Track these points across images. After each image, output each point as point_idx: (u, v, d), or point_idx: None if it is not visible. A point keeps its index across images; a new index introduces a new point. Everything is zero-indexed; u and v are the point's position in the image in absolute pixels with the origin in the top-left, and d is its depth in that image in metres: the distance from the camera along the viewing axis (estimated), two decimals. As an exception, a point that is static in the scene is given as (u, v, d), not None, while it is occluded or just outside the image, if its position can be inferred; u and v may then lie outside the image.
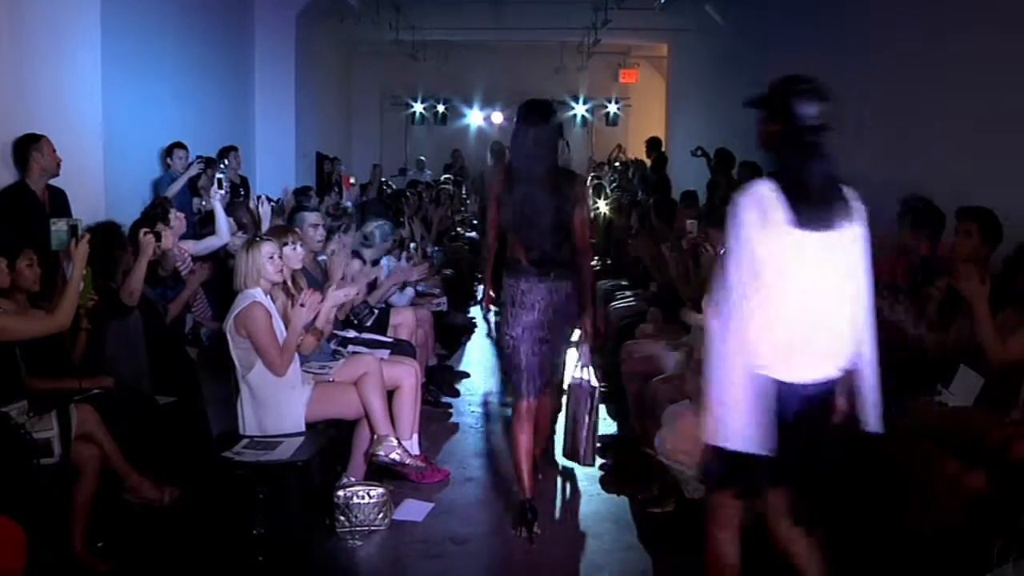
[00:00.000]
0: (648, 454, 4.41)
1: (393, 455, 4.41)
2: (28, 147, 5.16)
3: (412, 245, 7.92)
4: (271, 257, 4.26)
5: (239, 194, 7.92)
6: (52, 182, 5.28)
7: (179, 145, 7.63)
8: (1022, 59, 4.90)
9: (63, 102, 5.71)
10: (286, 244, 4.52)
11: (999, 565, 3.09)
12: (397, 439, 4.46)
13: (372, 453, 4.43)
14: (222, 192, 5.81)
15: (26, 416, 3.68)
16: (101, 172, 5.93)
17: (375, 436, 4.43)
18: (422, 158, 16.45)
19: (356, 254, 6.07)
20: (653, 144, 12.65)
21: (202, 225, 6.33)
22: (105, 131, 6.18)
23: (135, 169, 7.02)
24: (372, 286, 6.16)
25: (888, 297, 4.33)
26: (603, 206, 10.63)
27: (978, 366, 4.01)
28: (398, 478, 4.60)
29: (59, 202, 5.32)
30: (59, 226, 3.96)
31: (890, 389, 4.30)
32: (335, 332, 5.22)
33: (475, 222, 11.68)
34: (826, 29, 7.86)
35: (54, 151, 5.22)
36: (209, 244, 5.71)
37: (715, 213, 5.43)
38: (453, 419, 6.03)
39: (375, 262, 6.40)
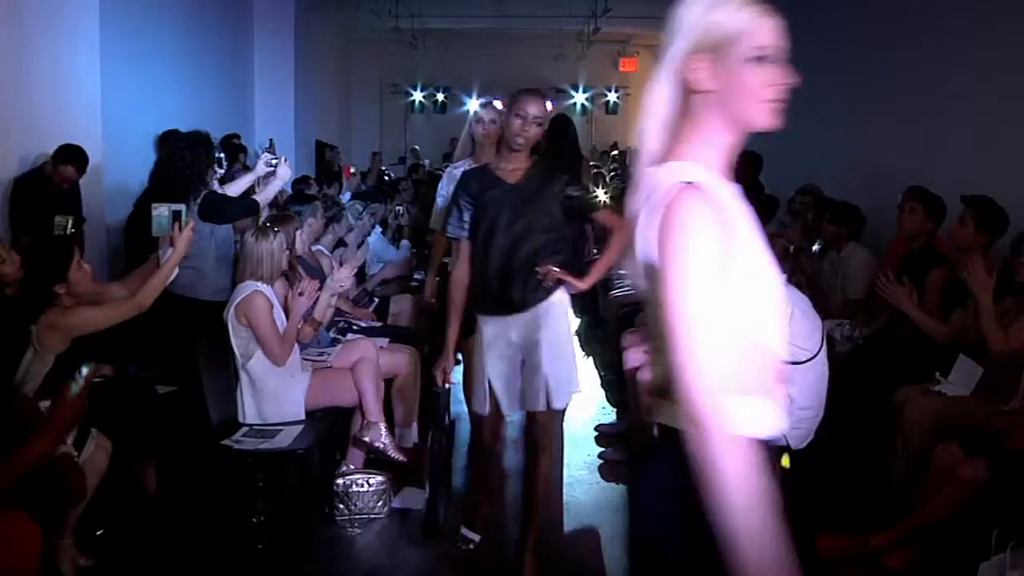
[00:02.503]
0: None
1: (378, 444, 4.41)
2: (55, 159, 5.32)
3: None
4: (282, 247, 4.27)
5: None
6: None
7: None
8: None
9: (62, 90, 5.71)
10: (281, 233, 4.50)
11: (997, 552, 3.10)
12: (387, 427, 4.46)
13: (358, 437, 4.45)
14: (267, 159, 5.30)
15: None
16: (100, 159, 5.92)
17: (364, 421, 4.44)
18: (416, 147, 16.43)
19: (340, 241, 6.06)
20: None
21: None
22: (104, 118, 6.18)
23: (133, 157, 7.00)
24: (362, 272, 6.15)
25: (889, 283, 4.34)
26: (602, 195, 10.61)
27: (977, 355, 4.02)
28: (397, 466, 4.61)
29: (73, 191, 5.39)
30: (160, 211, 3.88)
31: (887, 377, 4.36)
32: (334, 319, 5.22)
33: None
34: (827, 21, 7.83)
35: (64, 179, 5.36)
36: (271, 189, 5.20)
37: None
38: (452, 407, 6.01)
39: (360, 243, 6.40)
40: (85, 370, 2.96)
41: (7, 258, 3.84)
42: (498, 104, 4.52)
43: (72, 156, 5.32)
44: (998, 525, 3.17)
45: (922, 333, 4.31)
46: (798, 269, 4.14)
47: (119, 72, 6.65)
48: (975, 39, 5.41)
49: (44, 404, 3.59)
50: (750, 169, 8.16)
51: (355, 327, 5.37)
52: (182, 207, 3.93)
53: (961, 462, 3.53)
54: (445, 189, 4.53)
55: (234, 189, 5.04)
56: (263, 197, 5.00)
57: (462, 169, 4.28)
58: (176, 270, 3.81)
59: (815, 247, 5.79)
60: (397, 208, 7.88)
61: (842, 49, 7.49)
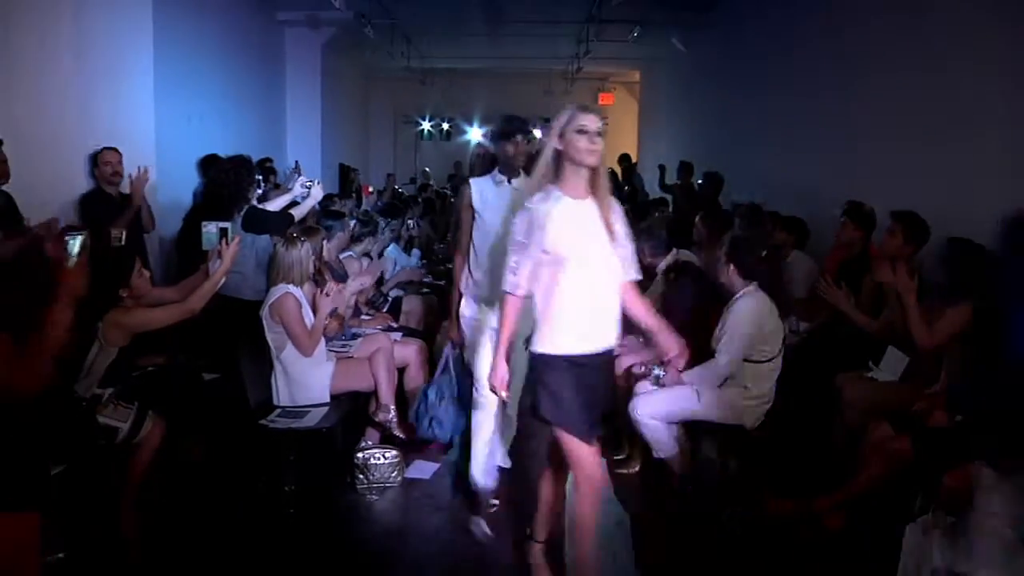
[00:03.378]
0: (623, 421, 4.42)
1: (386, 423, 4.42)
2: (95, 159, 5.22)
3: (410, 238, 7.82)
4: (309, 254, 4.27)
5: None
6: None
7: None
8: (943, 91, 4.92)
9: (120, 120, 5.70)
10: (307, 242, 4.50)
11: (920, 515, 3.12)
12: (396, 409, 4.46)
13: (373, 414, 4.47)
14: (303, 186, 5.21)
15: (113, 402, 3.63)
16: (154, 180, 5.89)
17: (378, 403, 4.45)
18: (427, 169, 16.42)
19: (365, 254, 6.05)
20: (624, 159, 12.80)
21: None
22: (157, 145, 6.17)
23: (182, 178, 6.99)
24: (380, 277, 6.15)
25: (828, 287, 4.34)
26: None
27: (904, 346, 4.03)
28: (408, 442, 4.61)
29: (127, 205, 5.38)
30: (209, 228, 3.87)
31: (828, 365, 4.37)
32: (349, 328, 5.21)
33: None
34: (776, 60, 7.87)
35: (110, 162, 5.24)
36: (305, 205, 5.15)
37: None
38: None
39: (380, 253, 6.41)
40: (74, 242, 2.98)
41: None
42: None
43: (107, 147, 5.30)
44: (921, 491, 3.19)
45: (857, 328, 4.31)
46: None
47: (170, 105, 6.64)
48: (896, 81, 5.43)
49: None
50: (711, 188, 8.18)
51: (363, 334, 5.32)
52: (228, 224, 3.93)
53: (890, 438, 3.54)
54: (522, 237, 2.96)
55: (273, 206, 5.06)
56: (299, 212, 5.00)
57: (547, 204, 2.90)
58: (223, 279, 3.81)
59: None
60: (409, 222, 7.90)
61: (791, 89, 7.51)
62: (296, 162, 7.40)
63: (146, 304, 3.77)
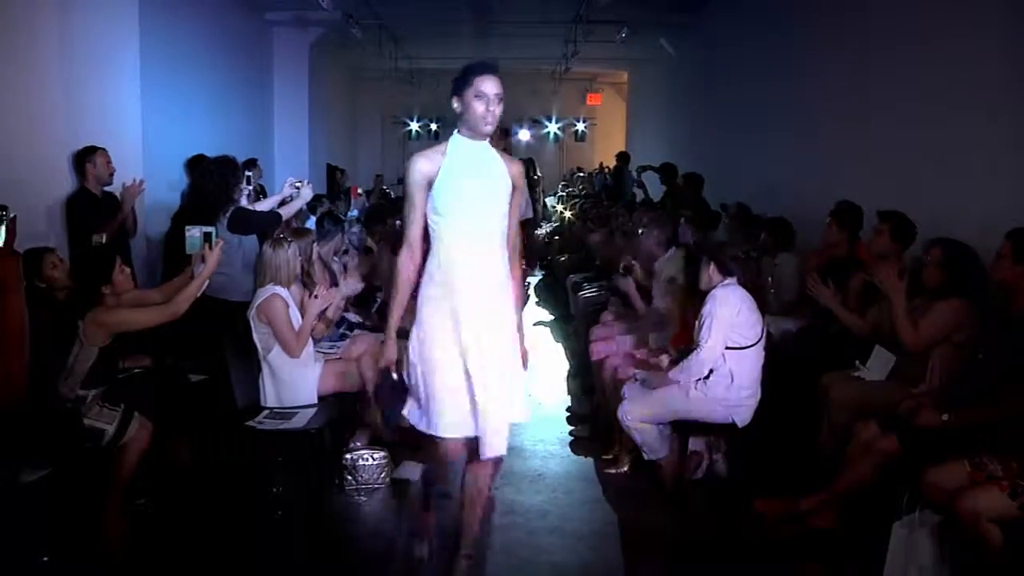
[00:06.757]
0: (611, 422, 4.43)
1: (374, 425, 4.41)
2: (84, 158, 5.15)
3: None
4: (296, 256, 4.25)
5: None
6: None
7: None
8: (935, 91, 4.93)
9: (107, 120, 5.65)
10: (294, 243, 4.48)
11: (906, 513, 3.13)
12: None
13: (361, 415, 4.45)
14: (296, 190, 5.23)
15: (99, 404, 3.60)
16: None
17: (366, 405, 4.42)
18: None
19: (346, 252, 6.03)
20: (620, 157, 12.83)
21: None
22: (144, 146, 6.12)
23: (169, 179, 6.95)
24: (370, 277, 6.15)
25: (815, 285, 4.35)
26: (567, 212, 10.67)
27: (890, 346, 4.04)
28: (396, 444, 4.59)
29: (111, 204, 5.32)
30: (193, 232, 3.86)
31: (814, 365, 4.38)
32: (343, 316, 5.19)
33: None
34: (763, 61, 7.88)
35: (108, 162, 5.22)
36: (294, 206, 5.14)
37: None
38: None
39: (368, 250, 6.42)
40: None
41: (59, 265, 3.83)
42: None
43: (97, 148, 5.23)
44: (908, 490, 3.20)
45: (844, 328, 4.33)
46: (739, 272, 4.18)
47: (157, 106, 6.59)
48: (885, 83, 5.45)
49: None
50: (692, 188, 8.19)
51: (356, 326, 5.32)
52: (212, 228, 3.93)
53: (877, 437, 3.55)
54: None
55: (263, 206, 5.04)
56: (286, 211, 4.97)
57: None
58: (207, 282, 3.79)
59: (751, 254, 5.81)
60: (396, 222, 7.87)
61: (776, 89, 7.53)
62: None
63: (128, 303, 3.75)
